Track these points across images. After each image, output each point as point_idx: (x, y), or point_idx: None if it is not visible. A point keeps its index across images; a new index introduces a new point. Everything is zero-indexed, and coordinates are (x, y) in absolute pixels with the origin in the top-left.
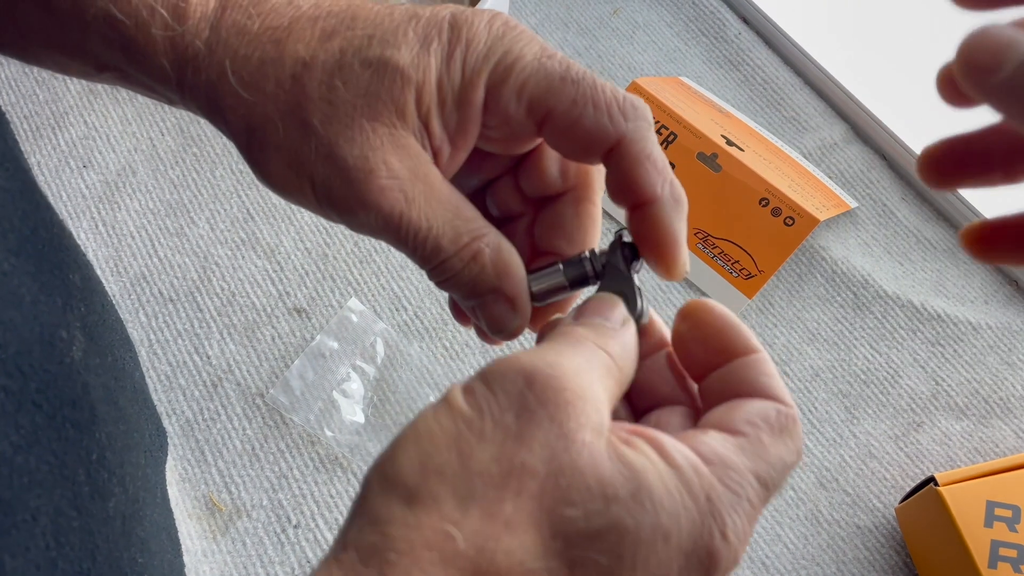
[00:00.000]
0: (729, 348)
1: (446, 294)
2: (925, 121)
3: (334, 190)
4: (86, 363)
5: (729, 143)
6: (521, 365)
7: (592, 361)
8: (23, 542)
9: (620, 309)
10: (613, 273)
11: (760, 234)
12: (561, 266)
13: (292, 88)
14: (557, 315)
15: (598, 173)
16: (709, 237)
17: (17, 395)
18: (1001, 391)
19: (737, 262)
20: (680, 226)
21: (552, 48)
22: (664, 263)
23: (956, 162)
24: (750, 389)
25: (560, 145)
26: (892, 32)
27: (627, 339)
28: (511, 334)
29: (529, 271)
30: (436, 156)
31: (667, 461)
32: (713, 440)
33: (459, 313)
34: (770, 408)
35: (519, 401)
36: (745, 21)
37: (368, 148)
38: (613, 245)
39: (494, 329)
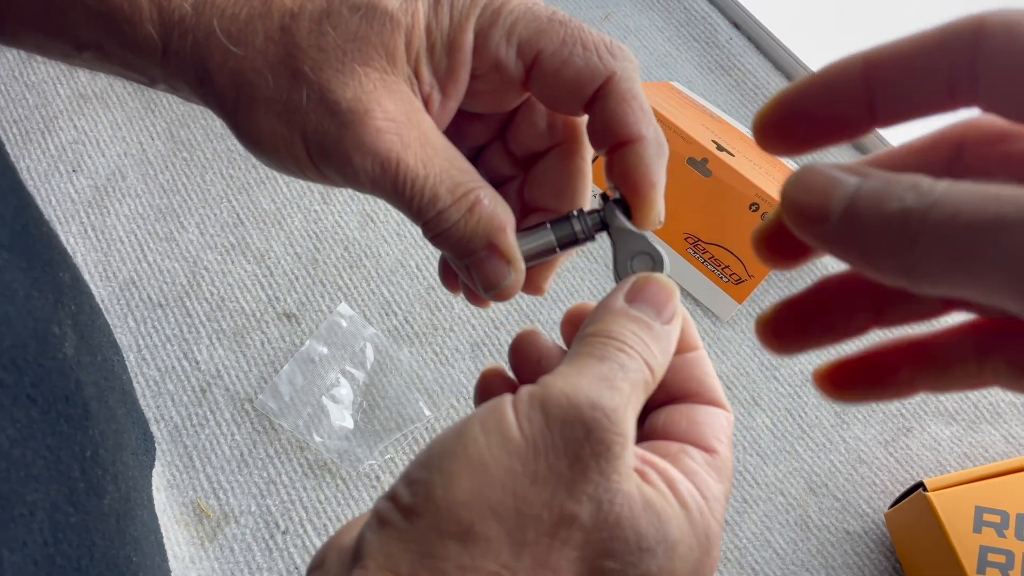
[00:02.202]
0: (681, 341)
1: (436, 299)
2: (915, 126)
3: (328, 136)
4: (78, 360)
5: (719, 148)
6: (580, 408)
7: (637, 388)
8: (21, 537)
9: (674, 303)
10: (622, 234)
11: (750, 239)
12: (549, 225)
13: (281, 39)
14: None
15: (585, 128)
16: (699, 242)
17: (12, 388)
18: (990, 396)
19: (727, 267)
20: (661, 172)
21: None
22: (642, 205)
23: (796, 328)
24: (699, 389)
25: (548, 90)
26: (883, 38)
27: (671, 343)
28: (505, 293)
29: (516, 232)
30: (427, 104)
31: (680, 502)
32: (699, 467)
33: (448, 277)
34: (723, 418)
35: (575, 449)
36: (736, 26)
37: (361, 91)
38: (606, 203)
39: (488, 286)
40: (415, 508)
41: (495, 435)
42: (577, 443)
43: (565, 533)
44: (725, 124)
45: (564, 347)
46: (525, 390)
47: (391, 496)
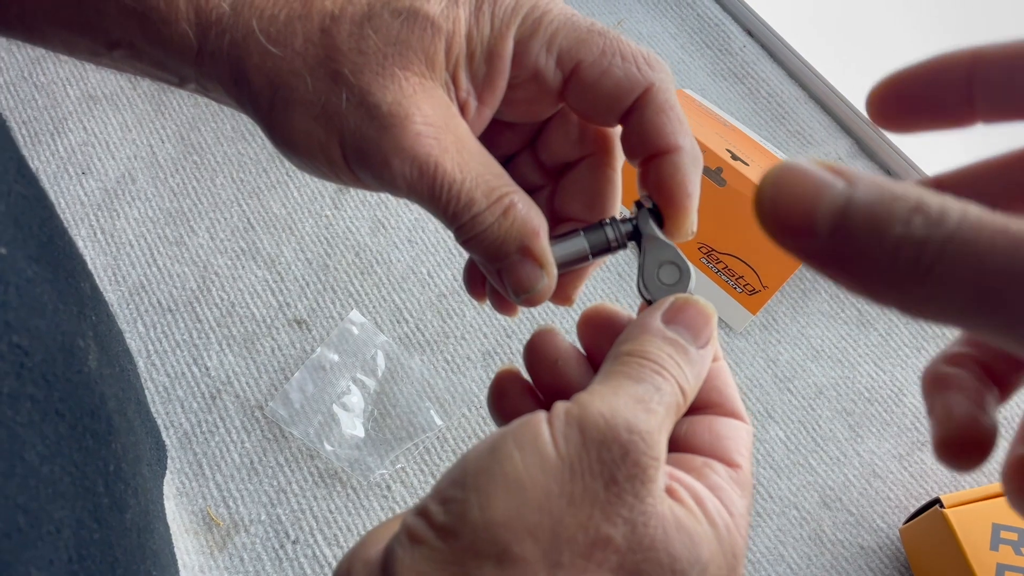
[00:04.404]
0: None
1: (447, 307)
2: (930, 137)
3: (367, 140)
4: (100, 373)
5: (734, 157)
6: (617, 430)
7: (671, 411)
8: (47, 555)
9: (711, 328)
10: (652, 243)
11: (765, 249)
12: (582, 232)
13: (321, 41)
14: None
15: (617, 139)
16: (713, 252)
17: (42, 404)
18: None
19: (741, 277)
20: (697, 182)
21: None
22: (676, 215)
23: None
24: (719, 399)
25: (586, 100)
26: (898, 47)
27: (704, 367)
28: (536, 297)
29: (549, 238)
30: (462, 110)
31: (709, 521)
32: (724, 482)
33: (473, 284)
34: (743, 431)
35: (611, 471)
36: (750, 34)
37: (401, 95)
38: (640, 210)
39: (520, 290)
40: (450, 528)
41: (531, 454)
42: (613, 465)
43: (600, 555)
44: (739, 132)
45: (580, 348)
46: (561, 407)
47: (422, 512)
